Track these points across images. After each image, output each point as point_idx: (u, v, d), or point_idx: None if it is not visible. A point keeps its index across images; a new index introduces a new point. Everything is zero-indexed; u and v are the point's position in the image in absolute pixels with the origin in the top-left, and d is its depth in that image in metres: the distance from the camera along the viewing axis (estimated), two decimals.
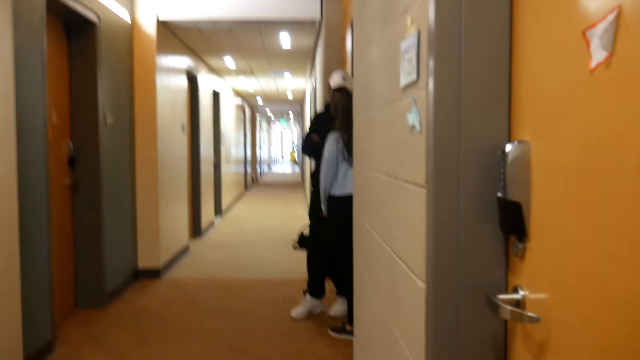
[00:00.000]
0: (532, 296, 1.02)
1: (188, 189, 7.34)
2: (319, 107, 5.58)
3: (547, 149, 0.94)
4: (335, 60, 5.35)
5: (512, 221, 1.04)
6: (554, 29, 0.92)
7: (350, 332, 3.78)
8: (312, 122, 4.61)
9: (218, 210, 10.06)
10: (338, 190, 3.83)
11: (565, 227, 0.87)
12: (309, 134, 4.49)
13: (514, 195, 1.02)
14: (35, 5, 3.43)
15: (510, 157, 1.02)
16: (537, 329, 0.98)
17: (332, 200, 3.86)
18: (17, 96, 3.10)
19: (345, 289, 3.93)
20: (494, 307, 1.01)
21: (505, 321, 1.16)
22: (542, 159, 0.96)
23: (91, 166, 4.43)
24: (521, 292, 1.05)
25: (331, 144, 3.80)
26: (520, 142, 1.02)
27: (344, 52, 5.02)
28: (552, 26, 0.92)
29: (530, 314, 0.96)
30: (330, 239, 3.95)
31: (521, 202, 1.02)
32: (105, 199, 4.57)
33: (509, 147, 1.02)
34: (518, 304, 1.04)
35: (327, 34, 5.36)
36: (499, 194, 1.06)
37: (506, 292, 1.14)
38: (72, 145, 4.34)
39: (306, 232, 6.86)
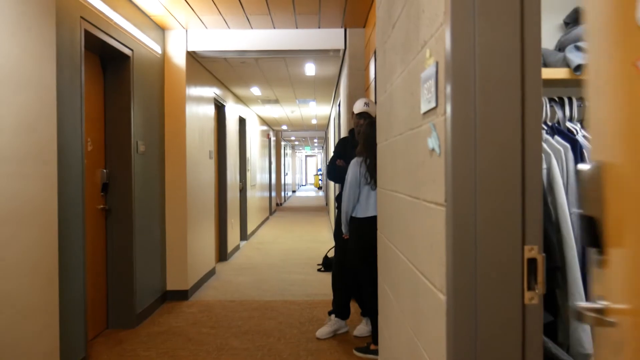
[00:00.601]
0: (609, 304, 1.09)
1: (215, 214, 7.50)
2: (343, 133, 5.71)
3: (620, 168, 1.01)
4: (359, 87, 5.50)
5: (589, 234, 1.12)
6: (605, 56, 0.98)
7: (375, 352, 3.84)
8: (336, 147, 4.74)
9: (244, 235, 10.19)
10: (360, 213, 3.93)
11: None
12: (333, 159, 4.62)
13: (589, 211, 1.10)
14: (75, 42, 3.65)
15: (585, 176, 1.10)
16: (615, 333, 1.05)
17: (354, 222, 3.96)
18: (58, 125, 3.29)
19: (370, 310, 4.00)
20: (577, 314, 1.10)
21: (523, 329, 1.24)
22: (615, 176, 1.04)
23: (123, 192, 4.61)
24: (601, 301, 1.12)
25: (354, 167, 3.92)
26: (595, 162, 1.10)
27: (367, 79, 5.16)
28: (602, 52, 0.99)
29: (609, 319, 1.03)
30: (353, 261, 4.04)
31: (596, 217, 1.10)
32: (137, 223, 4.73)
33: (583, 167, 1.10)
34: (599, 311, 1.11)
35: (350, 63, 5.52)
36: (579, 210, 1.14)
37: (523, 301, 1.23)
38: (105, 172, 4.53)
39: (331, 254, 6.93)
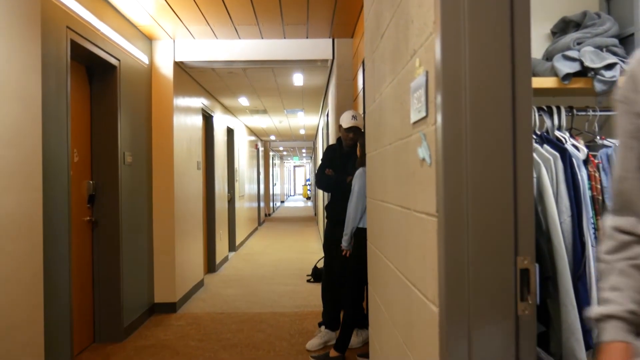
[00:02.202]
0: None
1: (203, 225, 7.45)
2: (332, 143, 5.70)
3: None
4: (347, 98, 5.50)
5: None
6: None
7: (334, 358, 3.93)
8: (324, 155, 4.72)
9: (232, 246, 10.13)
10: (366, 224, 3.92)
11: None
12: (321, 168, 4.60)
13: None
14: (60, 52, 3.62)
15: None
16: None
17: (361, 233, 3.93)
18: (44, 137, 3.25)
19: (347, 317, 4.01)
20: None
21: (517, 341, 1.23)
22: None
23: (110, 203, 4.55)
24: None
25: (361, 177, 3.88)
26: None
27: (356, 90, 5.17)
28: None
29: None
30: (348, 270, 4.02)
31: None
32: (124, 234, 4.68)
33: None
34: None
35: (338, 73, 5.52)
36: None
37: (516, 312, 1.22)
38: (92, 183, 4.48)
39: (320, 265, 6.90)
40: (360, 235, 3.92)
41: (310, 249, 10.51)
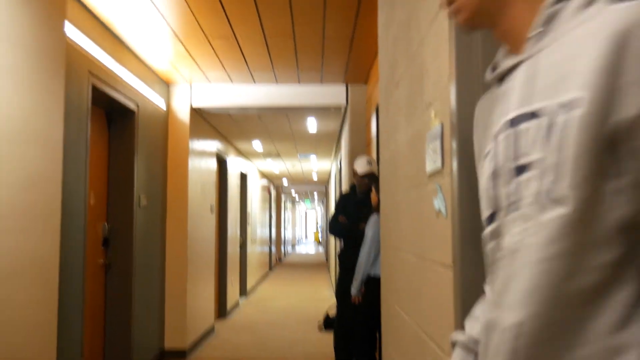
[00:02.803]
0: None
1: (215, 269, 7.42)
2: (345, 189, 5.72)
3: None
4: (360, 144, 5.54)
5: None
6: None
7: None
8: (338, 203, 4.73)
9: (243, 291, 10.05)
10: (378, 271, 3.87)
11: None
12: (335, 215, 4.60)
13: None
14: (82, 97, 3.71)
15: None
16: None
17: (371, 281, 3.88)
18: (63, 180, 3.29)
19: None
20: None
21: None
22: None
23: (124, 246, 4.57)
24: None
25: (375, 224, 3.87)
26: None
27: (369, 135, 5.21)
28: None
29: None
30: (359, 319, 3.96)
31: None
32: (136, 278, 4.67)
33: None
34: None
35: (352, 119, 5.58)
36: None
37: None
38: (107, 226, 4.51)
39: (332, 313, 6.82)
40: (372, 283, 3.87)
41: (321, 296, 10.39)
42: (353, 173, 4.49)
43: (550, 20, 0.76)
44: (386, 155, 2.47)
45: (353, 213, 4.44)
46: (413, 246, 1.80)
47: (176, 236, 5.61)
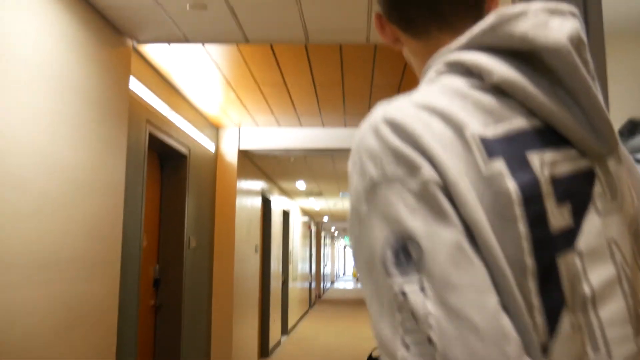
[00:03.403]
0: None
1: (258, 308, 7.45)
2: None
3: None
4: None
5: None
6: None
7: None
8: None
9: (284, 329, 10.03)
10: None
11: None
12: None
13: None
14: (140, 144, 3.86)
15: None
16: None
17: None
18: (123, 226, 3.41)
19: None
20: None
21: None
22: None
23: (174, 288, 4.65)
24: None
25: None
26: None
27: None
28: None
29: None
30: None
31: None
32: (185, 320, 4.74)
33: None
34: None
35: None
36: None
37: None
38: (157, 268, 4.61)
39: (376, 353, 6.73)
40: None
41: (363, 334, 10.27)
42: None
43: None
44: None
45: None
46: None
47: (223, 276, 5.69)
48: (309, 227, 15.47)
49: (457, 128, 0.59)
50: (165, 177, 4.81)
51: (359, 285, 28.81)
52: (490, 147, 0.58)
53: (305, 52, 3.64)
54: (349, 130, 5.73)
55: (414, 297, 0.53)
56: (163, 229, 4.73)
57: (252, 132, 5.87)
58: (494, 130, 0.60)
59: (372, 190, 0.58)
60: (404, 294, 0.53)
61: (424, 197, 0.55)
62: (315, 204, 12.18)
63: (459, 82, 0.64)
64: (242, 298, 6.11)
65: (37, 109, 2.36)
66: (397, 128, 0.59)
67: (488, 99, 0.62)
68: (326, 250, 25.94)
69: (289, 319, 10.31)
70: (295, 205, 11.61)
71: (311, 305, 16.04)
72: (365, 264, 0.58)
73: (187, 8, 2.60)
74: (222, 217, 5.77)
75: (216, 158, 5.82)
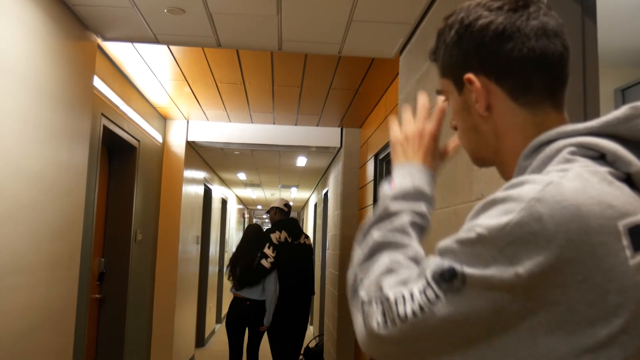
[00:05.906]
0: None
1: (197, 297, 7.42)
2: (320, 219, 5.83)
3: None
4: (353, 185, 5.69)
5: None
6: None
7: None
8: None
9: (219, 318, 10.02)
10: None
11: None
12: None
13: None
14: (95, 136, 3.76)
15: None
16: None
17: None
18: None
19: None
20: None
21: None
22: None
23: (119, 281, 4.57)
24: None
25: None
26: None
27: (363, 178, 5.37)
28: None
29: None
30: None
31: None
32: (129, 313, 4.67)
33: None
34: None
35: (345, 161, 5.74)
36: None
37: None
38: (103, 261, 4.51)
39: (312, 344, 6.88)
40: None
41: None
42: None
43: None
44: None
45: None
46: None
47: (166, 268, 5.63)
48: (243, 215, 15.43)
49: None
50: (113, 170, 4.70)
51: None
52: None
53: (270, 57, 3.67)
54: (299, 129, 5.80)
55: None
56: (109, 222, 4.63)
57: (200, 126, 5.81)
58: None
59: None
60: None
61: None
62: (253, 193, 12.17)
63: (602, 170, 0.65)
64: (183, 289, 6.08)
65: (2, 110, 2.27)
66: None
67: (627, 190, 0.64)
68: None
69: (222, 307, 10.30)
70: (232, 194, 11.55)
71: None
72: None
73: (165, 11, 2.57)
74: (167, 209, 5.69)
75: (163, 149, 5.73)
